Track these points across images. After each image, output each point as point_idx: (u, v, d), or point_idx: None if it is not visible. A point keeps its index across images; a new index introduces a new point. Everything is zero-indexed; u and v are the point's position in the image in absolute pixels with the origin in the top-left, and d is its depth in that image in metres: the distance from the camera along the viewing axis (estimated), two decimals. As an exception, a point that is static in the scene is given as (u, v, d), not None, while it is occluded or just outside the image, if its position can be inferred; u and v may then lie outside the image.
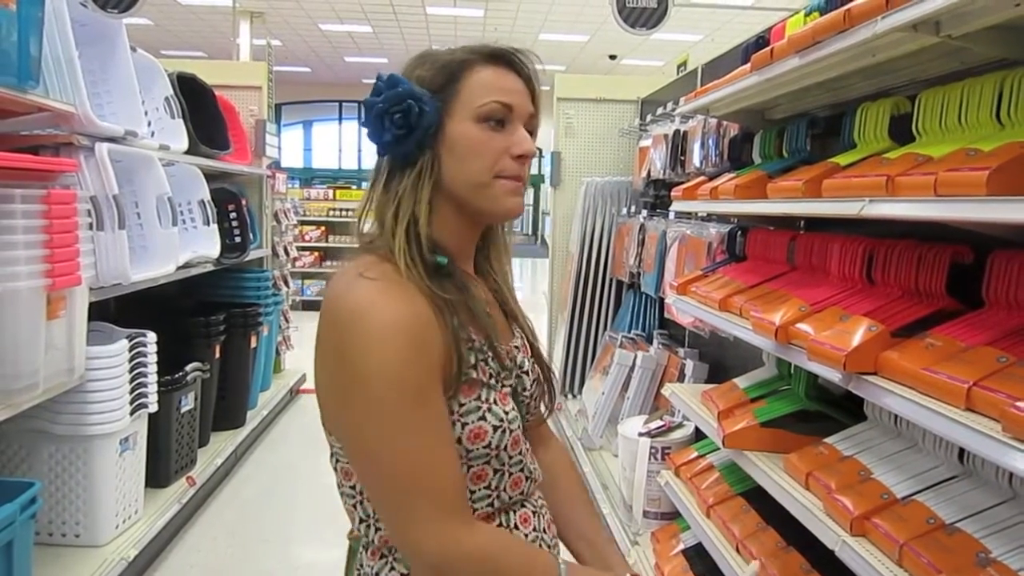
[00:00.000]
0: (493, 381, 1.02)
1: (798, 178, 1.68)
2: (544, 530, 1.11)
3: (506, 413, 1.02)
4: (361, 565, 1.05)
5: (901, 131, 1.57)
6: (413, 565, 0.99)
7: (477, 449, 0.99)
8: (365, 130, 1.04)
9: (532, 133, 1.06)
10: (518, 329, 1.14)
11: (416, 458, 0.92)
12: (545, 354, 1.18)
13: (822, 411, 1.89)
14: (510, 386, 1.06)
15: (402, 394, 0.91)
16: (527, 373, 1.11)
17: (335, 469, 1.06)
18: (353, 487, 1.03)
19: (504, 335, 1.08)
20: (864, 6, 1.34)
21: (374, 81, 1.02)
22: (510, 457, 1.04)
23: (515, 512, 1.07)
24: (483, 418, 0.99)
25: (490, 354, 1.02)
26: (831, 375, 1.41)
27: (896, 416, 1.57)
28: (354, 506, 1.04)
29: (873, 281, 1.61)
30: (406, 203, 1.01)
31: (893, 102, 1.64)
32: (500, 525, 1.04)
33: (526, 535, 1.07)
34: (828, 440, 1.68)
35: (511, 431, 1.02)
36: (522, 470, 1.07)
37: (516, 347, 1.10)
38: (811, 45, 1.55)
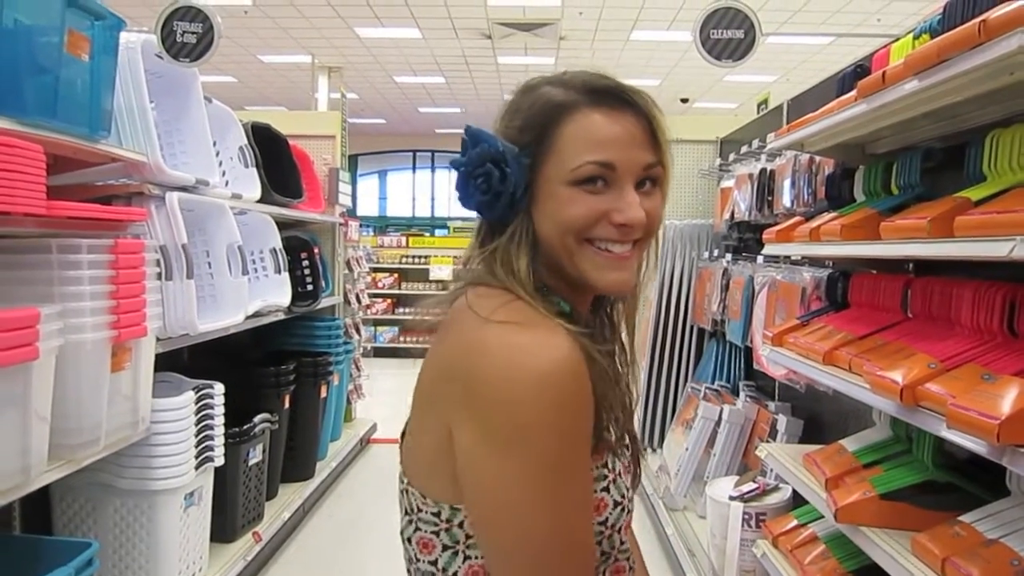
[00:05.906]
0: (618, 448, 0.89)
1: (920, 215, 1.47)
2: None
3: (627, 489, 0.87)
4: None
5: (1044, 160, 1.36)
6: None
7: (593, 525, 0.83)
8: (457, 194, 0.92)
9: (656, 183, 0.88)
10: None
11: (575, 517, 0.79)
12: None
13: (951, 482, 1.64)
14: (627, 459, 0.92)
15: (563, 444, 0.76)
16: (627, 446, 0.95)
17: (408, 542, 0.88)
18: (434, 563, 0.85)
19: None
20: (1006, 15, 1.15)
21: (446, 131, 0.91)
22: (621, 542, 0.88)
23: None
24: (607, 489, 0.85)
25: (620, 416, 0.88)
26: (975, 446, 1.19)
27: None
28: None
29: (1016, 334, 1.38)
30: (505, 259, 0.88)
31: (1031, 127, 1.43)
32: None
33: None
34: (964, 518, 1.44)
35: (628, 510, 0.87)
36: (627, 559, 0.91)
37: None
38: (935, 64, 1.36)
